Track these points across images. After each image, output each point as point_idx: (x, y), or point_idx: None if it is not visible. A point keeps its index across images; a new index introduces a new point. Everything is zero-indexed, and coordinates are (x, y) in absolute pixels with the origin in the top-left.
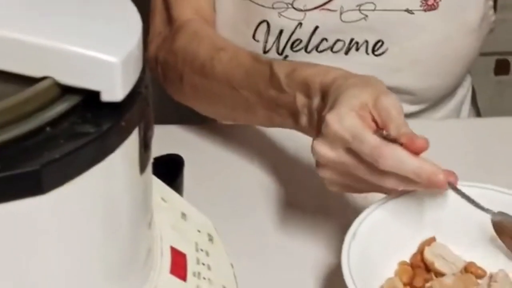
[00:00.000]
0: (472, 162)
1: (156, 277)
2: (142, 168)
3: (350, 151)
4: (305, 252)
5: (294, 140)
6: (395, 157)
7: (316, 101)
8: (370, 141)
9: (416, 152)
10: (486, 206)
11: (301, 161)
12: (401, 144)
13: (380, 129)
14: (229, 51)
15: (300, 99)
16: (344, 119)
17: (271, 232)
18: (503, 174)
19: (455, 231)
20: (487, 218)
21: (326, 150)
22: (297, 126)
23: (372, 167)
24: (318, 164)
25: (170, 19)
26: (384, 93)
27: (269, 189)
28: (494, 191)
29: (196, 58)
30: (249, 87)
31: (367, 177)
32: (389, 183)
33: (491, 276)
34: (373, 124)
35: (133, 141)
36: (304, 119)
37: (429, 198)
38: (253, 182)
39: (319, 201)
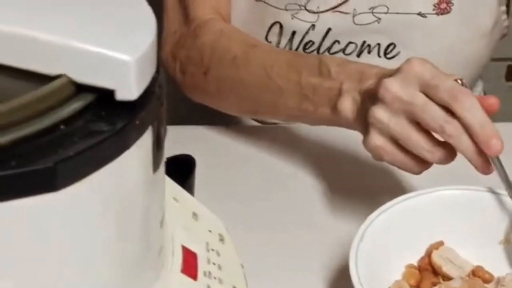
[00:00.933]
0: None
1: (167, 276)
2: (155, 167)
3: (411, 118)
4: (315, 253)
5: (305, 142)
6: (469, 101)
7: (370, 82)
8: (448, 83)
9: (487, 110)
10: (499, 212)
11: (313, 162)
12: None
13: None
14: (265, 47)
15: (349, 84)
16: (423, 64)
17: (281, 232)
18: None
19: (464, 234)
20: (496, 222)
21: (396, 86)
22: (332, 112)
23: (429, 136)
24: (379, 102)
25: (187, 18)
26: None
27: (280, 190)
28: (504, 196)
29: (228, 51)
30: (287, 76)
31: (430, 120)
32: (451, 130)
33: (498, 280)
34: None
35: (146, 140)
36: (345, 104)
37: (437, 202)
38: (264, 183)
39: (328, 203)
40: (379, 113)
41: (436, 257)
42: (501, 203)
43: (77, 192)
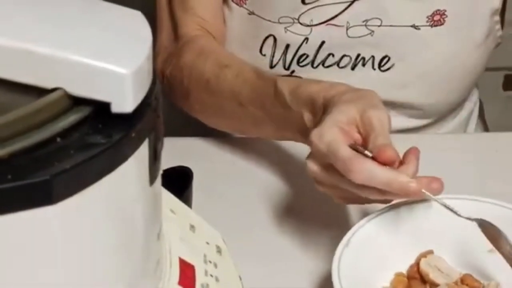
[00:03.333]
0: (478, 176)
1: None
2: (152, 180)
3: (332, 166)
4: (313, 262)
5: (302, 152)
6: (364, 170)
7: (320, 112)
8: (343, 154)
9: (386, 164)
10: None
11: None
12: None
13: (359, 144)
14: (234, 68)
15: (307, 116)
16: (324, 135)
17: (279, 243)
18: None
19: (454, 242)
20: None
21: (313, 166)
22: (307, 141)
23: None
24: (316, 181)
25: (176, 35)
26: (373, 106)
27: (278, 201)
28: (494, 204)
29: (202, 74)
30: (255, 104)
31: (353, 190)
32: (371, 195)
33: (483, 287)
34: (358, 137)
35: (143, 152)
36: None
37: (428, 210)
38: (261, 194)
39: (324, 210)
40: (310, 166)
41: (424, 265)
42: (489, 212)
43: (73, 205)
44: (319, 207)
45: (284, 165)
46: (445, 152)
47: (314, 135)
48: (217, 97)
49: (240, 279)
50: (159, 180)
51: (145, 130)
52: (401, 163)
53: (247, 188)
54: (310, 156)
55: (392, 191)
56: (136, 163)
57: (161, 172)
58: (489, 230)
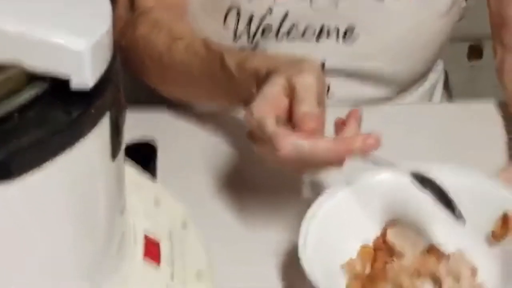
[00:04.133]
0: (443, 145)
1: (129, 264)
2: (114, 155)
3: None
4: (280, 235)
5: None
6: (288, 144)
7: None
8: (268, 131)
9: (310, 132)
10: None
11: None
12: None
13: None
14: (185, 40)
15: (255, 90)
16: (254, 111)
17: (246, 216)
18: (475, 157)
19: (419, 213)
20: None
21: (255, 147)
22: None
23: None
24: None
25: (132, 5)
26: (300, 72)
27: (245, 173)
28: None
29: (155, 47)
30: (206, 76)
31: (295, 166)
32: (309, 166)
33: (449, 256)
34: (285, 106)
35: (103, 127)
36: None
37: (394, 181)
38: (228, 167)
39: (291, 181)
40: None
41: (390, 236)
42: (454, 178)
43: (33, 181)
44: (286, 179)
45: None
46: (411, 122)
47: (247, 112)
48: (170, 69)
49: (207, 253)
50: (121, 154)
51: (105, 105)
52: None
53: (213, 161)
54: (249, 134)
55: (320, 158)
56: (97, 139)
57: (123, 146)
58: (427, 182)
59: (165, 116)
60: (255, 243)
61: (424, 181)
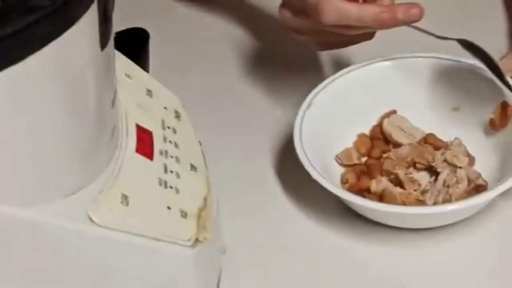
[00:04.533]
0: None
1: (122, 156)
2: (103, 44)
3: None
4: (279, 123)
5: (273, 3)
6: (333, 9)
7: None
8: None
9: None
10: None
11: (274, 21)
12: None
13: None
14: None
15: None
16: None
17: (241, 103)
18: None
19: (417, 102)
20: (448, 89)
21: (286, 14)
22: None
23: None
24: (291, 29)
25: None
26: None
27: (247, 56)
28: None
29: None
30: None
31: (334, 30)
32: (350, 31)
33: (446, 146)
34: None
35: (91, 15)
36: None
37: (390, 70)
38: (229, 52)
39: (293, 61)
40: (284, 14)
41: (387, 125)
42: (452, 70)
43: (19, 73)
44: (289, 60)
45: (254, 19)
46: None
47: None
48: None
49: (200, 144)
50: (111, 43)
51: None
52: None
53: (212, 47)
54: (282, 3)
55: (366, 25)
56: (85, 27)
57: (113, 35)
58: (477, 51)
59: (156, 1)
60: (251, 134)
61: (472, 49)
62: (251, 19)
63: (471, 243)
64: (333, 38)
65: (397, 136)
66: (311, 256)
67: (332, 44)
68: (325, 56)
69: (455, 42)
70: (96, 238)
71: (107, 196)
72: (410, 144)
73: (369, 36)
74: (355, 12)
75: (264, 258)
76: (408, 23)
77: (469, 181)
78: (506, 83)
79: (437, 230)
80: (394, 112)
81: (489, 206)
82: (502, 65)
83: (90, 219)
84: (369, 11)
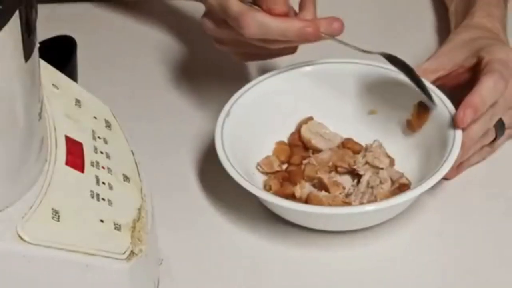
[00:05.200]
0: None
1: (51, 170)
2: (27, 55)
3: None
4: (203, 128)
5: (197, 11)
6: (256, 23)
7: None
8: (232, 10)
9: (279, 14)
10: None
11: (198, 34)
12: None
13: None
14: None
15: None
16: None
17: (172, 110)
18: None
19: (333, 108)
20: (364, 93)
21: (208, 24)
22: None
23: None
24: (214, 39)
25: None
26: None
27: (172, 63)
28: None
29: None
30: None
31: (256, 43)
32: (273, 45)
33: (366, 148)
34: None
35: (13, 26)
36: None
37: (307, 76)
38: (155, 58)
39: (218, 70)
40: (206, 24)
41: (305, 132)
42: (368, 74)
43: None
44: (216, 67)
45: (179, 25)
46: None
47: None
48: None
49: (133, 153)
50: (35, 54)
51: (14, 1)
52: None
53: (138, 54)
54: (205, 13)
55: (289, 39)
56: (6, 39)
57: (37, 45)
58: (397, 62)
59: (83, 9)
60: (179, 135)
61: (394, 61)
62: (179, 26)
63: (397, 244)
64: (255, 50)
65: (316, 142)
66: (247, 264)
67: (255, 56)
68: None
69: (379, 48)
70: (27, 257)
71: (37, 212)
72: (330, 149)
73: (292, 49)
74: (278, 26)
75: (200, 268)
76: (330, 36)
77: (393, 181)
78: (427, 93)
79: (363, 232)
80: (311, 118)
81: (413, 206)
82: (426, 67)
83: (20, 237)
84: (292, 25)
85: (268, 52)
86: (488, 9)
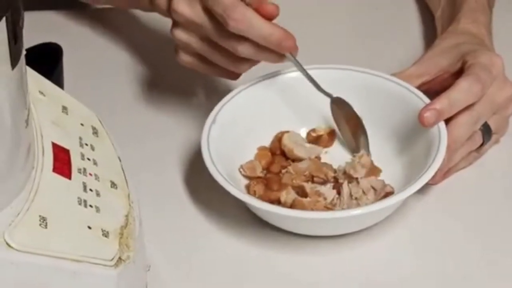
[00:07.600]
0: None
1: (38, 177)
2: (14, 63)
3: (208, 10)
4: (187, 135)
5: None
6: (245, 18)
7: None
8: (224, 0)
9: (267, 17)
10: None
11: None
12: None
13: None
14: None
15: None
16: None
17: (157, 119)
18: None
19: (318, 115)
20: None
21: (184, 8)
22: (150, 4)
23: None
24: (176, 24)
25: None
26: None
27: (151, 72)
28: (354, 71)
29: None
30: None
31: (223, 42)
32: (243, 50)
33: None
34: None
35: (0, 34)
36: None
37: (290, 85)
38: (137, 65)
39: (189, 83)
40: (178, 34)
41: (287, 141)
42: (353, 80)
43: None
44: (199, 75)
45: (166, 33)
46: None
47: None
48: None
49: (120, 160)
50: (22, 61)
51: (0, 8)
52: None
53: (124, 61)
54: (174, 25)
55: (269, 45)
56: None
57: (24, 52)
58: (340, 109)
59: (69, 16)
60: (164, 145)
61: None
62: (167, 33)
63: (383, 248)
64: (219, 56)
65: (298, 151)
66: (235, 270)
67: (219, 71)
68: None
69: (365, 54)
70: (14, 264)
71: (24, 219)
72: (310, 159)
73: (235, 76)
74: (263, 27)
75: (188, 275)
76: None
77: (376, 190)
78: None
79: (349, 237)
80: (288, 131)
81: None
82: (411, 72)
83: (7, 244)
84: (278, 32)
85: (232, 72)
86: (474, 15)
